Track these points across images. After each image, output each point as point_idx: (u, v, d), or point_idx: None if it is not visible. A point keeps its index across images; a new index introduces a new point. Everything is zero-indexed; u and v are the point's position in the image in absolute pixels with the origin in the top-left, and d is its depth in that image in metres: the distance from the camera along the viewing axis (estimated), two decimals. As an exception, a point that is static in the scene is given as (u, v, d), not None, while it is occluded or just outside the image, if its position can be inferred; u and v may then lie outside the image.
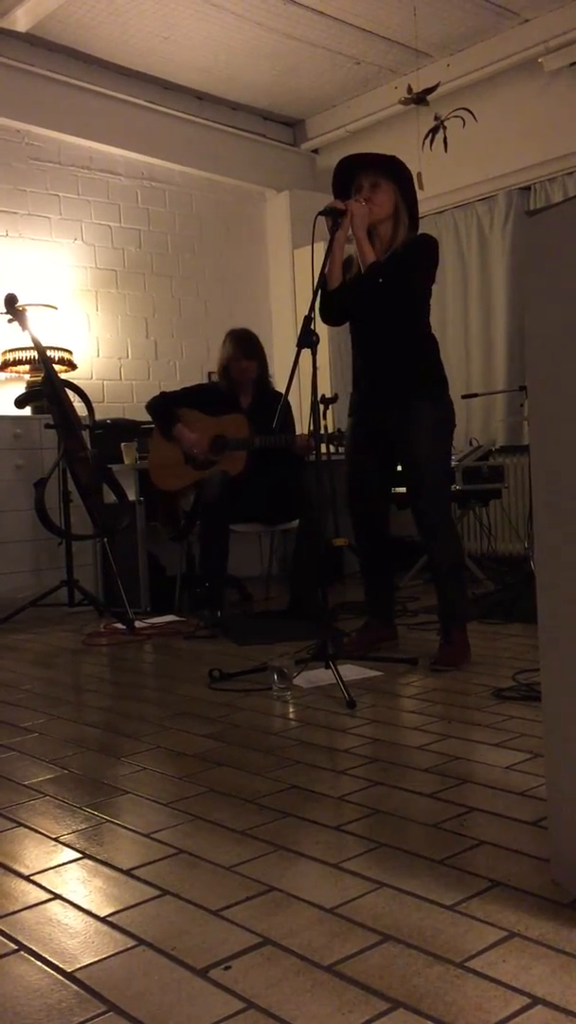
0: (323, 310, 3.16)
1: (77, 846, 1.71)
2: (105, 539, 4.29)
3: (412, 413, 3.11)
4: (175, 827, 1.77)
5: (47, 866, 1.62)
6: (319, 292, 3.07)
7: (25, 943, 1.35)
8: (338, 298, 3.17)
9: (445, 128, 4.59)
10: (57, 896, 1.50)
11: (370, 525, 3.35)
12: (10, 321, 4.45)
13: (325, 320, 3.19)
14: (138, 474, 4.74)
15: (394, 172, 3.14)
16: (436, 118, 4.60)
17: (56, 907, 1.46)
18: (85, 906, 1.45)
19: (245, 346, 4.29)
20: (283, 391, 3.02)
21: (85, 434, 4.47)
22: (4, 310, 4.41)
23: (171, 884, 1.52)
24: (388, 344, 3.16)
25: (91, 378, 5.50)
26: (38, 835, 1.78)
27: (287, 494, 4.25)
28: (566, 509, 1.35)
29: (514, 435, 5.51)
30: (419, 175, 4.23)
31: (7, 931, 1.39)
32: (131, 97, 5.61)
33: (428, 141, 4.59)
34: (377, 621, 3.41)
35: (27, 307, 4.52)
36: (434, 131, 4.60)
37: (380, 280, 3.07)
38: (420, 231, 3.25)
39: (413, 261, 3.11)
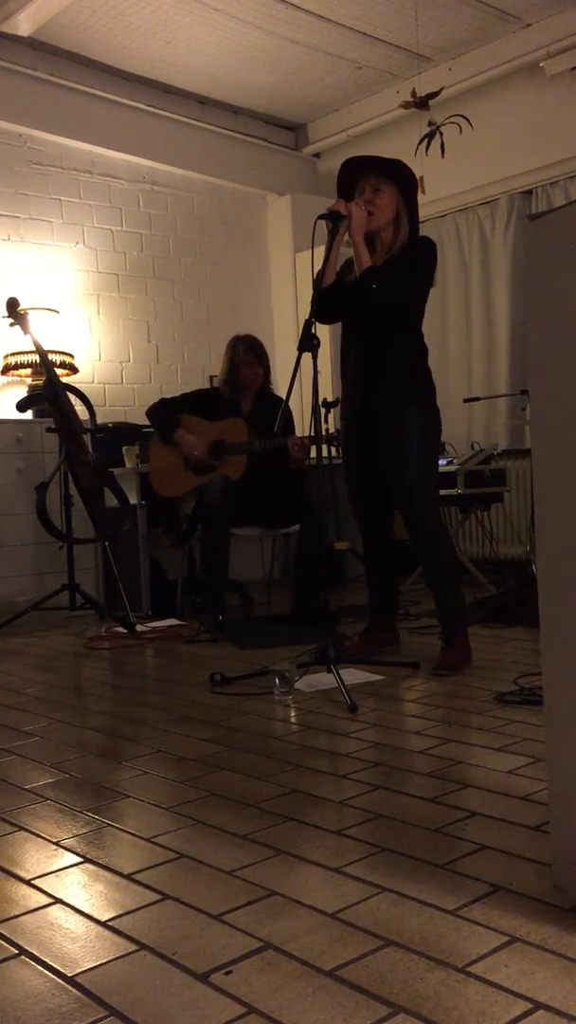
0: (316, 308, 3.15)
1: (78, 850, 1.70)
2: (106, 543, 4.29)
3: (401, 419, 3.11)
4: (176, 831, 1.77)
5: (48, 870, 1.62)
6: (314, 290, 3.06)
7: (26, 947, 1.34)
8: (330, 297, 3.15)
9: (441, 134, 4.59)
10: (58, 900, 1.50)
11: (373, 530, 3.36)
12: (12, 325, 4.45)
13: (317, 318, 3.18)
14: (139, 478, 4.74)
15: (397, 176, 3.14)
16: (431, 124, 4.59)
17: (57, 911, 1.46)
18: (86, 910, 1.45)
19: (258, 351, 4.37)
20: (284, 395, 3.02)
21: (86, 438, 4.47)
22: (6, 314, 4.42)
23: (172, 888, 1.51)
24: (381, 349, 3.16)
25: (93, 382, 5.50)
26: (39, 839, 1.77)
27: (288, 498, 4.25)
28: (568, 513, 1.35)
29: (516, 439, 5.51)
30: (421, 179, 4.22)
31: (8, 935, 1.38)
32: (133, 101, 5.63)
33: (424, 147, 4.58)
34: (379, 625, 3.41)
35: (29, 311, 4.52)
36: (429, 136, 4.59)
37: (374, 286, 3.05)
38: (421, 235, 3.24)
39: (409, 263, 3.10)
